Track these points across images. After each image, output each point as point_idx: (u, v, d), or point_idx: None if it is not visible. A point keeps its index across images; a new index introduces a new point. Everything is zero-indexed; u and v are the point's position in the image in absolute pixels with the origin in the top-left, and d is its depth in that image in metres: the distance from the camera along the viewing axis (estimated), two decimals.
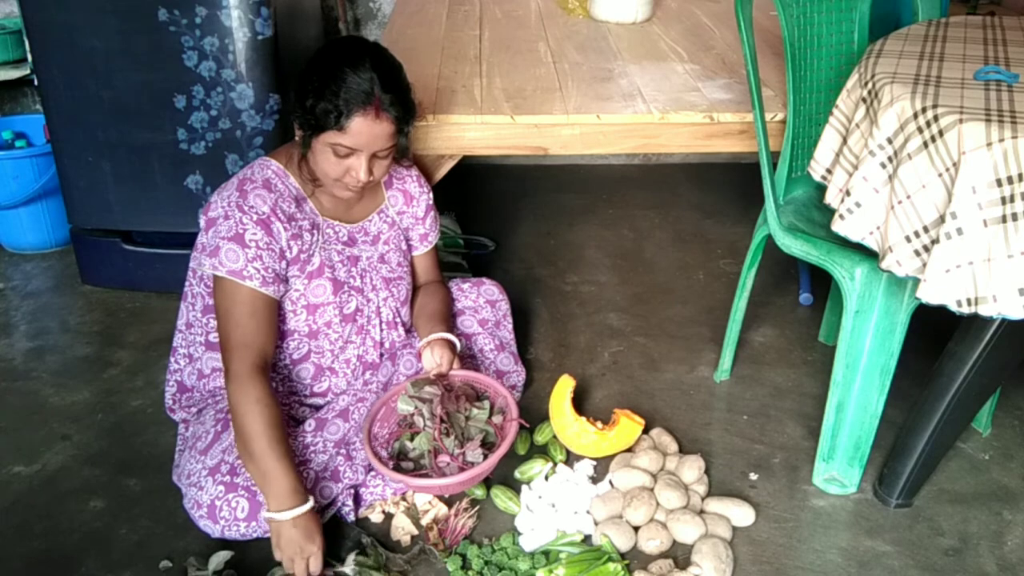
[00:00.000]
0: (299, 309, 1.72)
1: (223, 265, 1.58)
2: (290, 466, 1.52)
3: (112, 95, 2.22)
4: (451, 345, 1.79)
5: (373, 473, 1.71)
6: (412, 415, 1.69)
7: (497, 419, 1.72)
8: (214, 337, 1.75)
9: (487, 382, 1.79)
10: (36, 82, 2.26)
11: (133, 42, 2.15)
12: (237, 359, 1.57)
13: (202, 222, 1.65)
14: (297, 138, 1.65)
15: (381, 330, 1.84)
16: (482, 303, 2.05)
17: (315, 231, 1.72)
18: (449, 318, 1.93)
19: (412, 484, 1.60)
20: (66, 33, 2.16)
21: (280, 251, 1.64)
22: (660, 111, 2.06)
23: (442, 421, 1.65)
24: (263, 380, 1.57)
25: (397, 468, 1.62)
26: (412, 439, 1.67)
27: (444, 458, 1.62)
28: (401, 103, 1.60)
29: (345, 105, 1.54)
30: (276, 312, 1.66)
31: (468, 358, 1.96)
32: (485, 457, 1.62)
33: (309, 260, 1.70)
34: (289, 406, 1.79)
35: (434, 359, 1.76)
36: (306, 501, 1.51)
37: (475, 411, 1.71)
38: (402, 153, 1.69)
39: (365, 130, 1.57)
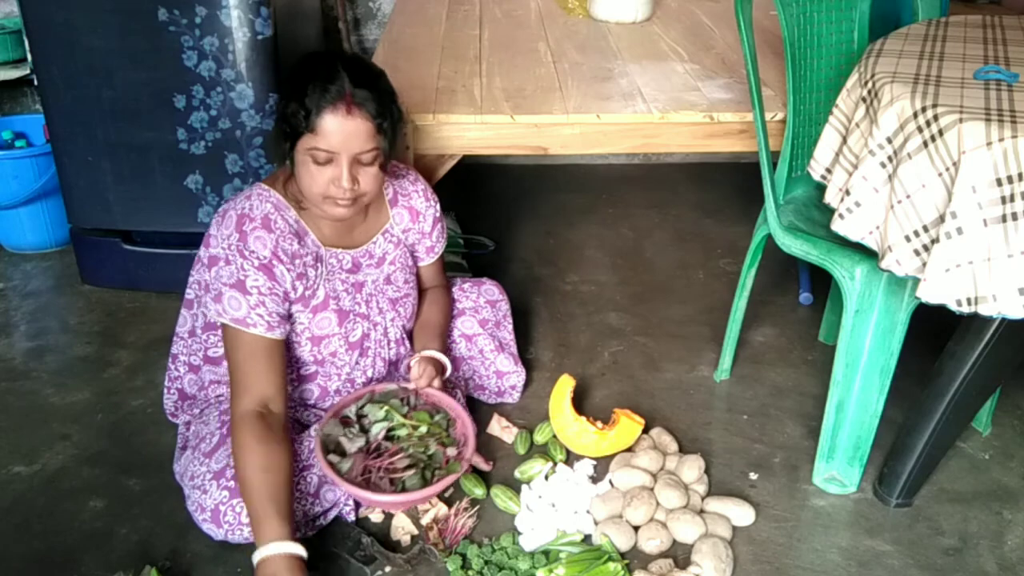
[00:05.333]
0: (303, 341, 1.70)
1: (226, 313, 1.57)
2: (276, 510, 1.44)
3: (112, 95, 2.22)
4: (439, 364, 1.78)
5: None
6: (340, 436, 1.62)
7: (451, 451, 1.65)
8: (213, 352, 1.76)
9: (458, 411, 1.73)
10: (36, 82, 2.26)
11: (133, 42, 2.15)
12: (236, 402, 1.56)
13: (203, 254, 1.64)
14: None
15: (390, 349, 1.84)
16: (482, 303, 2.04)
17: (319, 264, 1.69)
18: (447, 333, 1.92)
19: (358, 494, 1.55)
20: (66, 33, 2.16)
21: (284, 293, 1.62)
22: (660, 111, 2.06)
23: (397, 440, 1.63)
24: (257, 425, 1.52)
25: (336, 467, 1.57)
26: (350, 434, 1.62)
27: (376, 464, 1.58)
28: (377, 100, 1.54)
29: (313, 102, 1.50)
30: (282, 351, 1.62)
31: (453, 378, 1.92)
32: (422, 486, 1.56)
33: (314, 295, 1.68)
34: (294, 411, 1.78)
35: (415, 372, 1.73)
36: (285, 540, 1.42)
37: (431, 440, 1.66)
38: (387, 157, 1.62)
39: (337, 128, 1.51)
